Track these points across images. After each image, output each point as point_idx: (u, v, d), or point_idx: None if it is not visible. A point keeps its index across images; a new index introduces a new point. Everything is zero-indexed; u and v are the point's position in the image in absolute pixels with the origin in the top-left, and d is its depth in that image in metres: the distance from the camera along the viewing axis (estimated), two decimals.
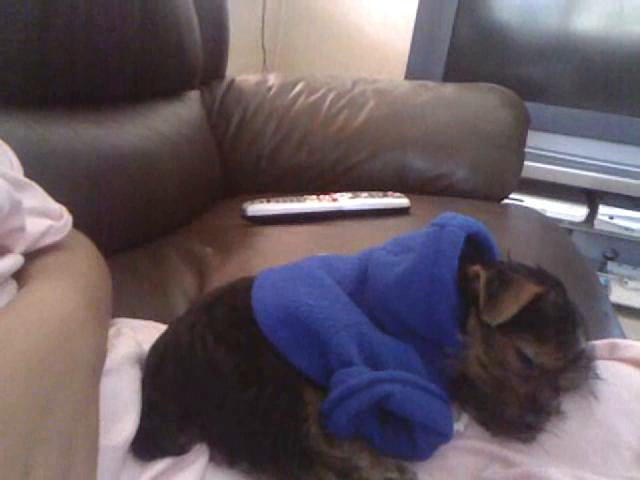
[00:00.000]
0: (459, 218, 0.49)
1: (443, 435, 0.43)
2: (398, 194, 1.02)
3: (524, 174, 1.26)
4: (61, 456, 0.32)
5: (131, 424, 0.40)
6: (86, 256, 0.51)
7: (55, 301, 0.39)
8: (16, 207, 0.40)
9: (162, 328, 0.50)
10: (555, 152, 1.84)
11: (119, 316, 0.54)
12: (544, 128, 1.77)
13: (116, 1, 0.87)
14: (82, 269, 0.47)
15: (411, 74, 1.94)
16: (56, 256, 0.46)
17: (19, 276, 0.42)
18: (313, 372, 0.44)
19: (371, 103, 1.22)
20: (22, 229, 0.41)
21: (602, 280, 1.87)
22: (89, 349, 0.39)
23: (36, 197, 0.46)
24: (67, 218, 0.48)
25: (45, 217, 0.46)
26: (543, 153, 1.82)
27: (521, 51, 1.96)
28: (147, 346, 0.48)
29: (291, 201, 0.96)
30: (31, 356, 0.33)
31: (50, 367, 0.34)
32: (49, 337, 0.35)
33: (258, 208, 0.94)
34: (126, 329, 0.50)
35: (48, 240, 0.45)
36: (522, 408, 0.43)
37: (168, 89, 1.09)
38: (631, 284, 1.90)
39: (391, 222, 0.96)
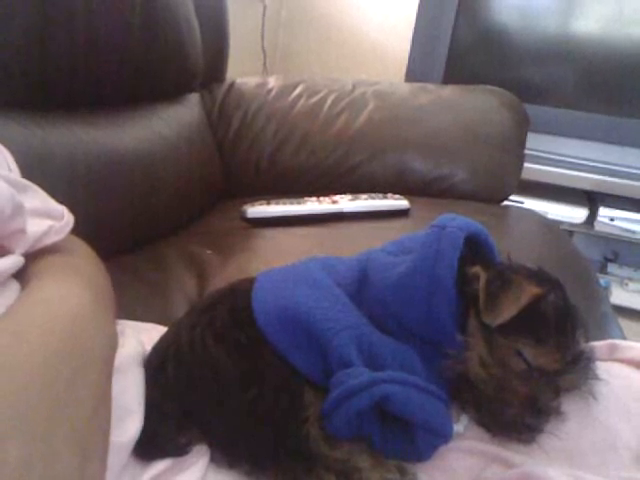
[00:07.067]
0: (459, 219, 0.49)
1: (443, 436, 0.43)
2: (398, 196, 1.02)
3: (524, 176, 1.26)
4: (78, 453, 0.32)
5: (135, 424, 0.40)
6: (86, 258, 0.51)
7: (62, 297, 0.40)
8: (18, 209, 0.40)
9: (163, 330, 0.51)
10: (555, 154, 1.84)
11: (119, 318, 0.54)
12: (544, 130, 1.77)
13: (116, 4, 0.87)
14: (84, 268, 0.48)
15: (411, 76, 1.94)
16: (57, 256, 0.46)
17: (21, 276, 0.42)
18: (313, 373, 0.44)
19: (371, 105, 1.22)
20: (23, 231, 0.42)
21: (603, 282, 1.87)
22: (101, 343, 0.39)
23: (37, 198, 0.46)
24: (68, 218, 0.48)
25: (46, 217, 0.46)
26: (543, 155, 1.82)
27: (521, 53, 1.96)
28: (149, 348, 0.48)
29: (291, 203, 0.96)
30: (45, 353, 0.33)
31: (65, 363, 0.34)
32: (61, 333, 0.36)
33: (258, 210, 0.94)
34: (130, 330, 0.50)
35: (49, 240, 0.45)
36: (522, 409, 0.43)
37: (168, 92, 1.09)
38: (632, 286, 1.90)
39: (391, 224, 0.96)
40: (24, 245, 0.42)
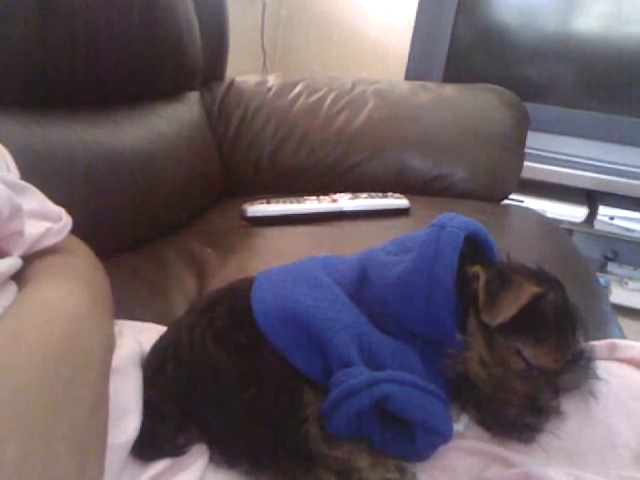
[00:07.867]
0: (459, 219, 0.49)
1: (442, 436, 0.43)
2: (398, 195, 1.02)
3: (524, 175, 1.26)
4: (77, 453, 0.32)
5: (133, 424, 0.40)
6: (85, 258, 0.51)
7: (60, 298, 0.40)
8: (16, 211, 0.40)
9: (162, 330, 0.51)
10: (555, 153, 1.84)
11: (118, 318, 0.54)
12: (544, 129, 1.77)
13: (116, 2, 0.87)
14: (82, 269, 0.48)
15: (411, 75, 1.94)
16: (56, 257, 0.46)
17: (19, 278, 0.42)
18: (313, 373, 0.44)
19: (371, 104, 1.22)
20: (21, 233, 0.42)
21: (602, 281, 1.87)
22: (99, 343, 0.39)
23: (35, 200, 0.46)
24: (66, 220, 0.48)
25: (44, 219, 0.46)
26: (543, 154, 1.82)
27: (521, 52, 1.96)
28: (148, 347, 0.48)
29: (291, 202, 0.96)
30: (43, 354, 0.34)
31: (63, 364, 0.34)
32: (60, 334, 0.36)
33: (258, 209, 0.94)
34: (127, 330, 0.50)
35: (47, 242, 0.45)
36: (522, 408, 0.43)
37: (168, 90, 1.09)
38: (631, 285, 1.90)
39: (391, 223, 0.96)
40: (22, 247, 0.42)
